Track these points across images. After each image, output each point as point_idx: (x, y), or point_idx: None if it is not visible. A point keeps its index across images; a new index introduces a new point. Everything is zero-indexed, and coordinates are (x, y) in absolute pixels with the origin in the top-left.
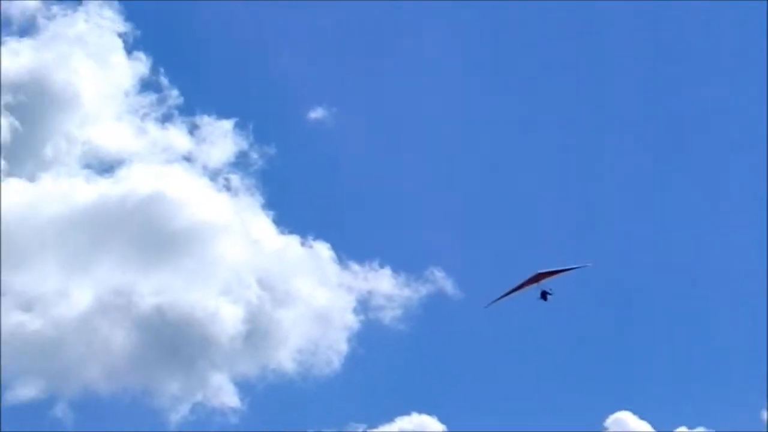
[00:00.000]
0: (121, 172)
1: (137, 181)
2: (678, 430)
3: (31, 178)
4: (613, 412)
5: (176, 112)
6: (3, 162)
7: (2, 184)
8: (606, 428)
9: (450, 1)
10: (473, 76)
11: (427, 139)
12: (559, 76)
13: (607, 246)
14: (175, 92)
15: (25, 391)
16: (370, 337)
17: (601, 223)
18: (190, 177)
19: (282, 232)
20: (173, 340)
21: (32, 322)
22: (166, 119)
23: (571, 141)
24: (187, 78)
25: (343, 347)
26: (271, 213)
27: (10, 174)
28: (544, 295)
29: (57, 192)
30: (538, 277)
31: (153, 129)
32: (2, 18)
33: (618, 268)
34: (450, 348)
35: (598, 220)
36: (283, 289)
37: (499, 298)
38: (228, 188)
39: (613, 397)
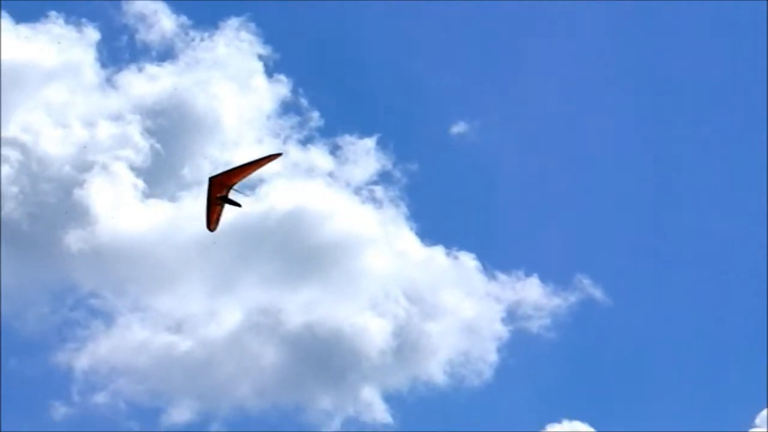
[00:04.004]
0: (262, 190)
1: (279, 198)
2: None
3: (172, 199)
4: (762, 408)
5: (317, 134)
6: (144, 184)
7: (143, 205)
8: (756, 425)
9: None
10: (622, 81)
11: (569, 147)
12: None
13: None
14: (315, 114)
15: (181, 413)
16: (520, 346)
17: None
18: (332, 191)
19: (426, 244)
20: (323, 356)
21: (182, 344)
22: (307, 141)
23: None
24: (327, 98)
25: (493, 357)
26: (415, 225)
27: (150, 195)
28: (228, 201)
29: (198, 211)
30: (218, 183)
31: (294, 151)
32: (141, 44)
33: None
34: (599, 354)
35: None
36: (431, 301)
37: (210, 221)
38: (373, 200)
39: (763, 393)
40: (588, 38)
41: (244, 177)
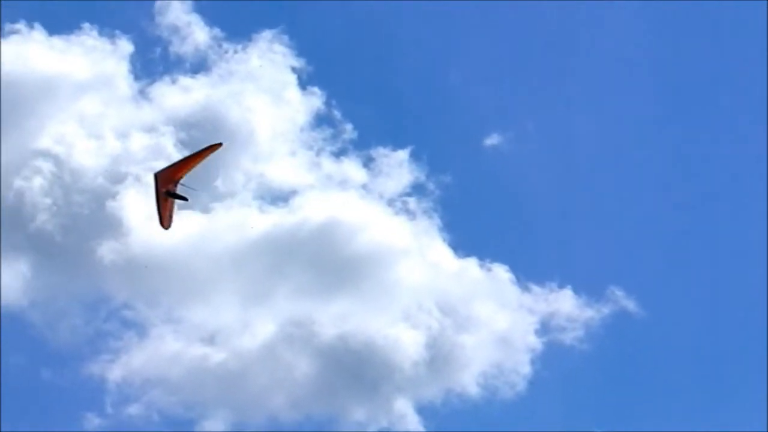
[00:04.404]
0: (295, 201)
1: (312, 209)
2: None
3: (205, 210)
4: None
5: (351, 146)
6: None
7: (176, 216)
8: None
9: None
10: (657, 92)
11: (602, 159)
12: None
13: None
14: (349, 126)
15: (215, 424)
16: (553, 358)
17: None
18: (365, 203)
19: (459, 256)
20: (356, 367)
21: (215, 355)
22: (341, 153)
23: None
24: (361, 110)
25: (527, 369)
26: (448, 237)
27: (183, 207)
28: (174, 195)
29: (231, 222)
30: (164, 178)
31: (328, 163)
32: (174, 56)
33: None
34: (632, 365)
35: None
36: (464, 313)
37: (162, 218)
38: (406, 211)
39: None
40: (621, 49)
41: (189, 170)
